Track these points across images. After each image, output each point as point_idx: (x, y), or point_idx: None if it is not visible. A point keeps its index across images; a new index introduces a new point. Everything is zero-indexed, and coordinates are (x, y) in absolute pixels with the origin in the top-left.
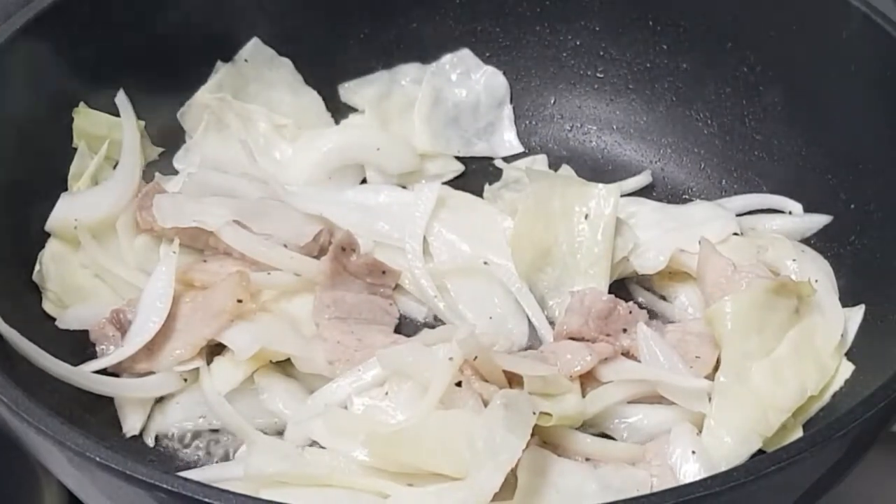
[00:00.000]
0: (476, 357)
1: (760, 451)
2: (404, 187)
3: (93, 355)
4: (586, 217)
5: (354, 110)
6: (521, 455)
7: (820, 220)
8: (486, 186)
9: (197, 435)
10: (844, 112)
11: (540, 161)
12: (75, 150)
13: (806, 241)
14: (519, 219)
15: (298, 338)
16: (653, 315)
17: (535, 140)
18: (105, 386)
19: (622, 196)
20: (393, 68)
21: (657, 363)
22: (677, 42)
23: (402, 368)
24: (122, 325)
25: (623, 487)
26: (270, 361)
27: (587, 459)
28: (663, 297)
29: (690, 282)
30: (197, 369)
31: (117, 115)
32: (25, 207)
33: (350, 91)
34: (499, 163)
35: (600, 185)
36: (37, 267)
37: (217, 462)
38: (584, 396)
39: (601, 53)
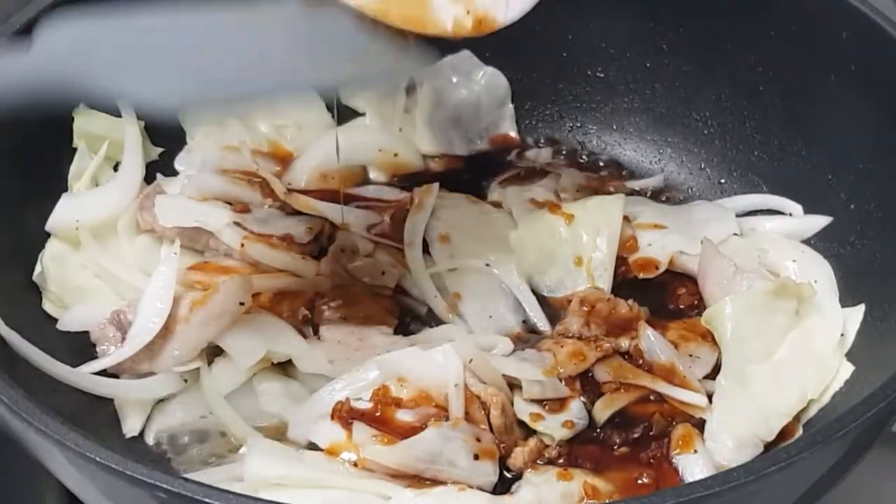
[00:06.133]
0: (472, 360)
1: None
2: (406, 188)
3: (93, 356)
4: (591, 224)
5: (355, 112)
6: None
7: (820, 221)
8: (489, 185)
9: (197, 435)
10: (844, 112)
11: (544, 154)
12: (75, 150)
13: (806, 241)
14: (522, 221)
15: (299, 338)
16: (653, 314)
17: (536, 140)
18: (105, 387)
19: None
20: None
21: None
22: (677, 42)
23: (402, 374)
24: (122, 326)
25: None
26: (271, 363)
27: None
28: (664, 297)
29: (691, 283)
30: (197, 370)
31: (117, 114)
32: (25, 207)
33: (351, 93)
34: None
35: (606, 197)
36: (37, 268)
37: (217, 463)
38: (585, 398)
39: (601, 53)
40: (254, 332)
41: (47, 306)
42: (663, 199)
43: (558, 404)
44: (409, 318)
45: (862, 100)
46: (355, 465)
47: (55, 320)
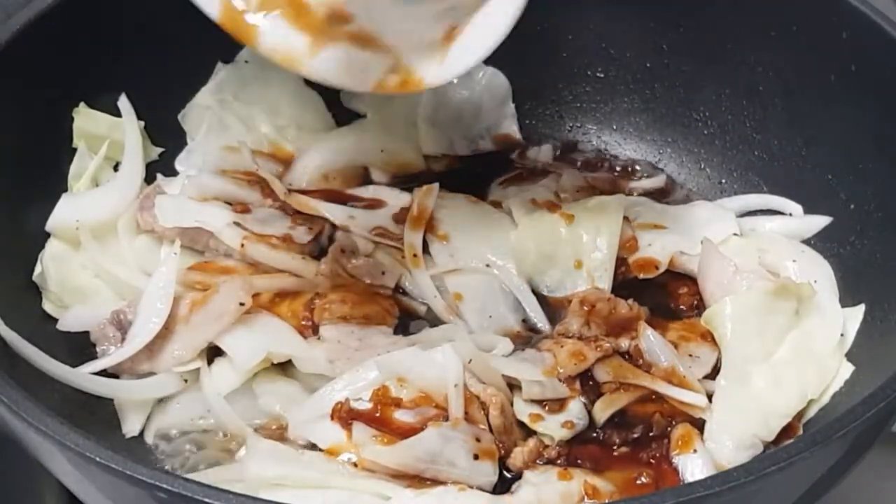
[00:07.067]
0: (471, 360)
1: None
2: (407, 188)
3: (93, 356)
4: (591, 225)
5: (357, 115)
6: None
7: (820, 222)
8: (492, 185)
9: (197, 435)
10: (844, 112)
11: (545, 151)
12: (75, 150)
13: (806, 241)
14: (522, 221)
15: (299, 338)
16: (653, 314)
17: (536, 140)
18: (104, 388)
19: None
20: None
21: (658, 363)
22: (677, 42)
23: (401, 374)
24: (122, 326)
25: None
26: (271, 363)
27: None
28: (664, 297)
29: (691, 283)
30: (197, 370)
31: (117, 114)
32: (25, 207)
33: (352, 95)
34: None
35: (606, 197)
36: (38, 268)
37: (217, 463)
38: (585, 398)
39: (601, 53)
40: (254, 332)
41: (47, 306)
42: (663, 199)
43: (558, 405)
44: (409, 318)
45: (862, 100)
46: (355, 465)
47: (55, 320)
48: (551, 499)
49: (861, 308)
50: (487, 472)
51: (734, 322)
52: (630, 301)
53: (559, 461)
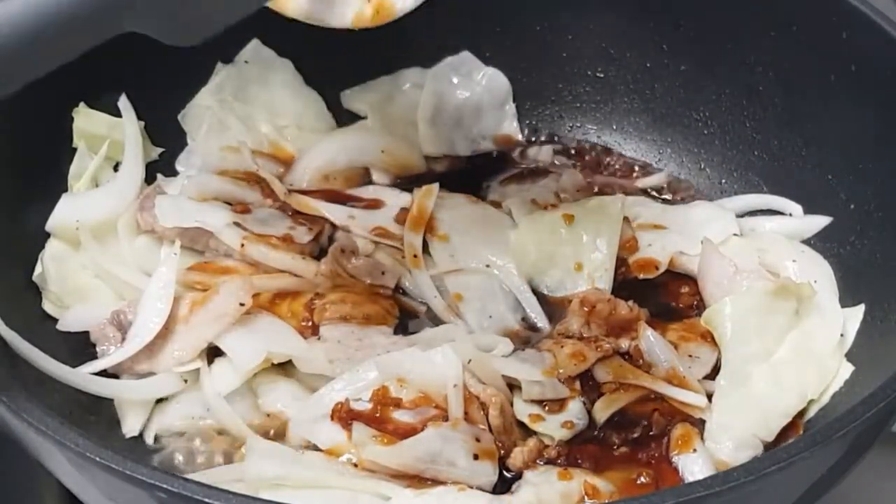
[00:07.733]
0: (471, 361)
1: None
2: (408, 189)
3: (93, 356)
4: (591, 225)
5: (357, 117)
6: None
7: (820, 222)
8: (491, 184)
9: (196, 435)
10: (844, 112)
11: (545, 151)
12: (75, 150)
13: (806, 241)
14: (522, 221)
15: (299, 338)
16: (653, 314)
17: (537, 140)
18: (104, 388)
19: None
20: (394, 73)
21: (658, 364)
22: (677, 42)
23: (401, 374)
24: (122, 326)
25: None
26: (271, 363)
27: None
28: (664, 297)
29: (691, 283)
30: (197, 370)
31: (117, 114)
32: (25, 207)
33: (352, 97)
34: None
35: (606, 197)
36: (38, 268)
37: (217, 463)
38: (585, 399)
39: (601, 53)
40: (254, 332)
41: (47, 306)
42: (664, 199)
43: (558, 405)
44: (409, 318)
45: (862, 100)
46: (355, 465)
47: (55, 320)
48: (551, 499)
49: (861, 308)
50: (487, 472)
51: (734, 322)
52: (630, 302)
53: (559, 461)
